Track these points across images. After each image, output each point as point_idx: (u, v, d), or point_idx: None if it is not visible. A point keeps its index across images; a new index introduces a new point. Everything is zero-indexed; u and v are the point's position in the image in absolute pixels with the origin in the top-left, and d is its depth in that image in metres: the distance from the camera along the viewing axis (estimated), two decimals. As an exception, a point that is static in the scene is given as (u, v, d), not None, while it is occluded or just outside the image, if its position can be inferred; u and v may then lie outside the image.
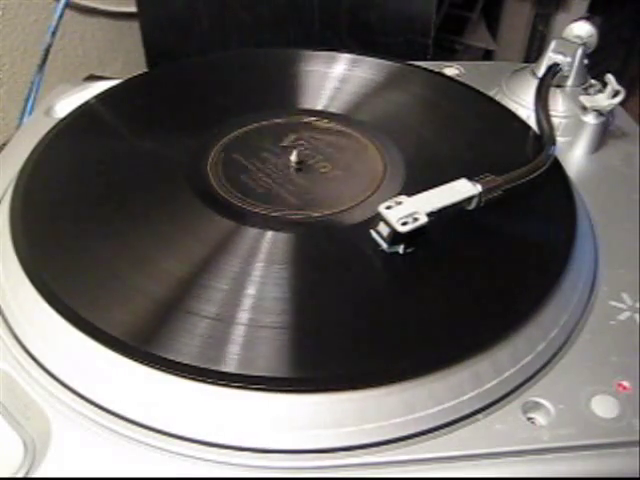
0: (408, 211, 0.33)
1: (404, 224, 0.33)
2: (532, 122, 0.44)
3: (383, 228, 0.34)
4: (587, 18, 0.48)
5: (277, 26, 0.68)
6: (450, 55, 0.95)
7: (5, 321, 0.33)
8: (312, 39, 0.68)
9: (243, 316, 0.31)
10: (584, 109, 0.44)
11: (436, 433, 0.28)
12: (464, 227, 0.36)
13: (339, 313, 0.32)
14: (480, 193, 0.35)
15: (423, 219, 0.33)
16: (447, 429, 0.28)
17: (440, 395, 0.29)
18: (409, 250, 0.34)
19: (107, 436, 0.28)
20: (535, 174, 0.38)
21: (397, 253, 0.34)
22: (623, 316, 0.33)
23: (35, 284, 0.32)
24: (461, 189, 0.35)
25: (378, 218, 0.34)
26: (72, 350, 0.30)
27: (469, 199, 0.35)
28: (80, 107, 0.46)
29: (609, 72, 0.44)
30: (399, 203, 0.34)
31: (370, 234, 0.34)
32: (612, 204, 0.41)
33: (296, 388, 0.28)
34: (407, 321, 0.31)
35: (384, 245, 0.34)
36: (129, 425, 0.28)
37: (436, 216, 0.34)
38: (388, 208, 0.33)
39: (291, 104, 0.47)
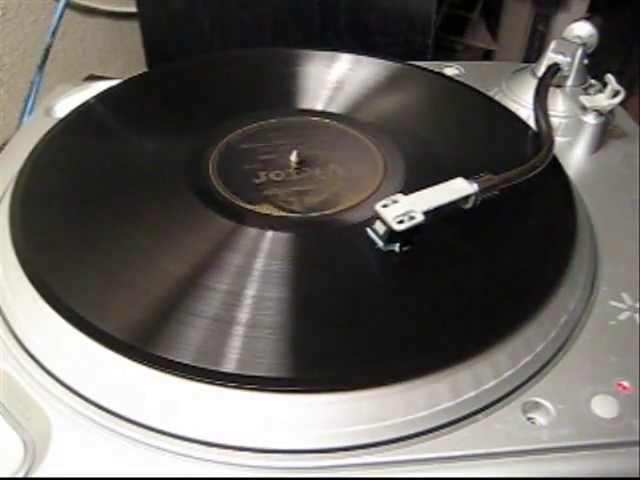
0: (404, 210, 0.33)
1: (400, 222, 0.33)
2: (532, 122, 0.44)
3: (379, 226, 0.34)
4: (587, 18, 0.49)
5: (277, 26, 0.68)
6: (450, 55, 0.95)
7: (5, 321, 0.33)
8: (312, 39, 0.68)
9: (243, 316, 0.31)
10: (584, 109, 0.44)
11: (436, 433, 0.28)
12: (463, 226, 0.36)
13: (338, 313, 0.32)
14: (476, 192, 0.35)
15: (419, 218, 0.33)
16: (447, 429, 0.28)
17: (440, 395, 0.29)
18: (405, 249, 0.34)
19: (107, 436, 0.28)
20: (532, 174, 0.38)
21: (393, 252, 0.34)
22: (623, 316, 0.33)
23: (35, 284, 0.32)
24: (457, 188, 0.35)
25: (374, 216, 0.34)
26: (72, 350, 0.30)
27: (465, 198, 0.35)
28: (80, 107, 0.46)
29: (609, 72, 0.44)
30: (395, 202, 0.34)
31: (367, 233, 0.34)
32: (612, 204, 0.41)
33: (296, 388, 0.28)
34: (407, 321, 0.31)
35: (380, 243, 0.34)
36: (129, 425, 0.28)
37: (433, 215, 0.34)
38: (384, 206, 0.33)
39: (291, 104, 0.47)
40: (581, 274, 0.35)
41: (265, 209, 0.37)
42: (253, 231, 0.35)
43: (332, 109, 0.47)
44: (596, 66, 0.48)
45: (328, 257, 0.35)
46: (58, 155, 0.42)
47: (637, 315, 0.34)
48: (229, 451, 0.27)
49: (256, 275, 0.33)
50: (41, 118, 0.47)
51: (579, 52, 0.47)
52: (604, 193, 0.42)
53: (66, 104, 0.48)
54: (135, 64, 0.83)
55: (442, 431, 0.28)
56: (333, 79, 0.49)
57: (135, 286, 0.33)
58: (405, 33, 0.67)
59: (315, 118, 0.46)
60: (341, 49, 0.52)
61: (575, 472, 0.28)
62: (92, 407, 0.29)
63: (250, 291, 0.32)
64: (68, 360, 0.30)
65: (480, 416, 0.29)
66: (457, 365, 0.29)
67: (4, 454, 0.27)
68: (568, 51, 0.47)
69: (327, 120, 0.45)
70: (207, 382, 0.28)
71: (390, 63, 0.51)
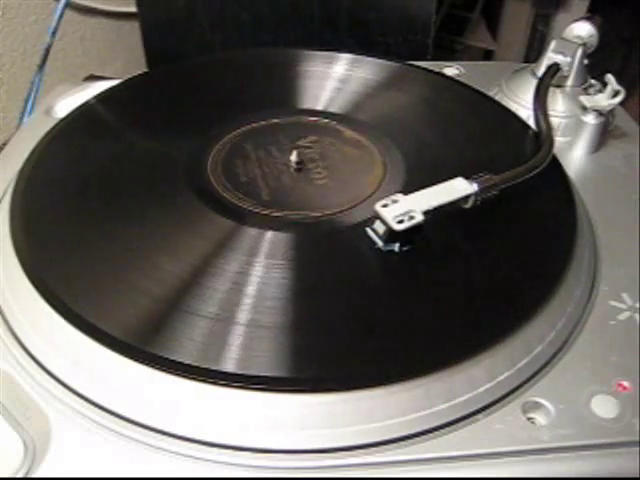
0: (404, 209, 0.33)
1: (400, 222, 0.33)
2: (532, 122, 0.44)
3: (379, 226, 0.34)
4: (587, 18, 0.49)
5: (277, 26, 0.68)
6: (450, 55, 0.95)
7: (5, 321, 0.33)
8: (312, 39, 0.68)
9: (243, 316, 0.31)
10: (584, 109, 0.44)
11: (436, 433, 0.28)
12: (463, 226, 0.36)
13: (339, 313, 0.32)
14: (476, 192, 0.35)
15: (419, 217, 0.33)
16: (447, 429, 0.28)
17: (440, 395, 0.29)
18: (405, 248, 0.34)
19: (107, 436, 0.28)
20: (532, 173, 0.38)
21: (393, 251, 0.34)
22: (623, 316, 0.33)
23: (35, 284, 0.32)
24: (457, 188, 0.35)
25: (374, 216, 0.34)
26: (72, 350, 0.30)
27: (465, 198, 0.35)
28: (80, 107, 0.46)
29: (609, 72, 0.44)
30: (395, 201, 0.34)
31: (367, 232, 0.34)
32: (612, 204, 0.41)
33: (296, 388, 0.28)
34: (407, 321, 0.31)
35: (380, 243, 0.34)
36: (129, 425, 0.28)
37: (432, 215, 0.34)
38: (384, 206, 0.33)
39: (291, 104, 0.47)
40: (581, 274, 0.35)
41: (265, 209, 0.37)
42: (253, 231, 0.35)
43: (332, 109, 0.47)
44: (596, 66, 0.48)
45: (328, 257, 0.35)
46: (58, 155, 0.42)
47: (637, 315, 0.34)
48: (230, 451, 0.27)
49: (256, 275, 0.33)
50: (41, 118, 0.47)
51: (579, 52, 0.47)
52: (604, 193, 0.42)
53: (66, 104, 0.48)
54: (135, 64, 0.83)
55: (442, 431, 0.28)
56: (333, 79, 0.49)
57: (135, 286, 0.32)
58: (405, 33, 0.67)
59: (315, 118, 0.46)
60: (341, 49, 0.52)
61: (575, 472, 0.28)
62: (92, 407, 0.29)
63: (250, 291, 0.32)
64: (68, 360, 0.30)
65: (480, 416, 0.29)
66: (457, 365, 0.29)
67: (4, 454, 0.27)
68: (568, 51, 0.47)
69: (327, 120, 0.45)
70: (207, 382, 0.28)
71: (390, 63, 0.51)
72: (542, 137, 0.42)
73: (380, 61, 0.51)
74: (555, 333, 0.32)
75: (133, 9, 0.71)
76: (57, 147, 0.42)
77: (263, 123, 0.45)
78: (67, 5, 0.62)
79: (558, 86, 0.47)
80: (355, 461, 0.27)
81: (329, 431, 0.28)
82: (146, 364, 0.29)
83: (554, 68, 0.47)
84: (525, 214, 0.38)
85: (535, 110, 0.44)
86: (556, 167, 0.41)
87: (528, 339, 0.31)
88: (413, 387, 0.29)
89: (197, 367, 0.28)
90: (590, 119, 0.44)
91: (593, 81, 0.48)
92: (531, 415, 0.29)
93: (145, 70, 0.63)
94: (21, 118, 0.61)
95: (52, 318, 0.31)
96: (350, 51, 0.52)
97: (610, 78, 0.43)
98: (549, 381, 0.30)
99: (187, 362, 0.29)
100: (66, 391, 0.29)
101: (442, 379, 0.29)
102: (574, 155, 0.45)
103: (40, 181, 0.39)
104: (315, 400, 0.28)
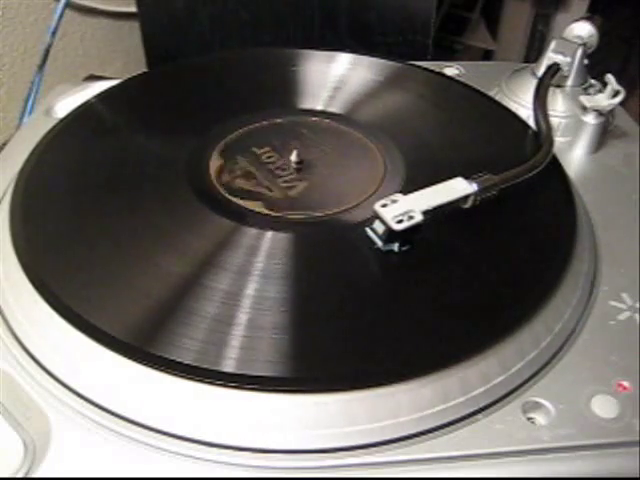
0: (403, 209, 0.33)
1: (399, 222, 0.33)
2: (532, 122, 0.44)
3: (378, 226, 0.34)
4: (587, 18, 0.49)
5: (277, 26, 0.68)
6: (450, 55, 0.95)
7: (5, 321, 0.33)
8: (312, 39, 0.68)
9: (243, 316, 0.31)
10: (584, 109, 0.44)
11: (436, 433, 0.28)
12: (463, 226, 0.36)
13: (338, 313, 0.32)
14: (476, 192, 0.35)
15: (418, 217, 0.33)
16: (447, 429, 0.28)
17: (440, 395, 0.29)
18: (404, 248, 0.34)
19: (107, 436, 0.28)
20: (531, 173, 0.38)
21: (392, 251, 0.34)
22: (623, 316, 0.33)
23: (35, 284, 0.32)
24: (457, 188, 0.35)
25: (374, 216, 0.34)
26: (72, 350, 0.30)
27: (465, 198, 0.35)
28: (80, 107, 0.46)
29: (609, 72, 0.44)
30: (395, 201, 0.34)
31: (366, 232, 0.34)
32: (612, 204, 0.41)
33: (296, 388, 0.28)
34: (407, 321, 0.31)
35: (379, 243, 0.34)
36: (129, 425, 0.28)
37: (432, 214, 0.34)
38: (384, 206, 0.33)
39: (291, 104, 0.47)
40: (581, 274, 0.35)
41: (265, 209, 0.37)
42: (253, 231, 0.35)
43: (332, 109, 0.47)
44: (596, 66, 0.48)
45: (328, 257, 0.35)
46: (58, 155, 0.42)
47: (637, 315, 0.34)
48: (229, 451, 0.27)
49: (256, 275, 0.33)
50: (41, 118, 0.47)
51: (579, 52, 0.47)
52: (604, 193, 0.42)
53: (66, 104, 0.48)
54: (135, 64, 0.83)
55: (442, 431, 0.28)
56: (333, 79, 0.49)
57: (135, 286, 0.33)
58: (405, 33, 0.67)
59: (315, 118, 0.46)
60: (341, 49, 0.52)
61: (575, 472, 0.28)
62: (92, 407, 0.29)
63: (250, 291, 0.32)
64: (68, 360, 0.30)
65: (480, 416, 0.29)
66: (457, 365, 0.29)
67: (4, 454, 0.27)
68: (568, 51, 0.47)
69: (327, 120, 0.45)
70: (207, 382, 0.28)
71: (390, 63, 0.51)
72: (542, 137, 0.42)
73: (380, 61, 0.51)
74: (555, 333, 0.32)
75: (133, 9, 0.71)
76: (57, 147, 0.42)
77: (263, 123, 0.45)
78: (67, 5, 0.62)
79: (558, 86, 0.47)
80: (355, 461, 0.27)
81: (329, 431, 0.28)
82: (145, 364, 0.29)
83: (554, 68, 0.47)
84: (525, 214, 0.38)
85: (535, 110, 0.44)
86: (556, 167, 0.41)
87: (528, 339, 0.31)
88: (413, 387, 0.28)
89: (197, 367, 0.28)
90: (590, 119, 0.44)
91: (593, 81, 0.48)
92: (531, 415, 0.29)
93: (145, 70, 0.63)
94: (21, 118, 0.61)
95: (52, 318, 0.31)
96: (350, 51, 0.52)
97: (610, 78, 0.43)
98: (549, 381, 0.30)
99: (187, 362, 0.29)
100: (66, 391, 0.29)
101: (442, 379, 0.29)
102: (574, 155, 0.45)
103: (40, 181, 0.39)
104: (315, 400, 0.28)
